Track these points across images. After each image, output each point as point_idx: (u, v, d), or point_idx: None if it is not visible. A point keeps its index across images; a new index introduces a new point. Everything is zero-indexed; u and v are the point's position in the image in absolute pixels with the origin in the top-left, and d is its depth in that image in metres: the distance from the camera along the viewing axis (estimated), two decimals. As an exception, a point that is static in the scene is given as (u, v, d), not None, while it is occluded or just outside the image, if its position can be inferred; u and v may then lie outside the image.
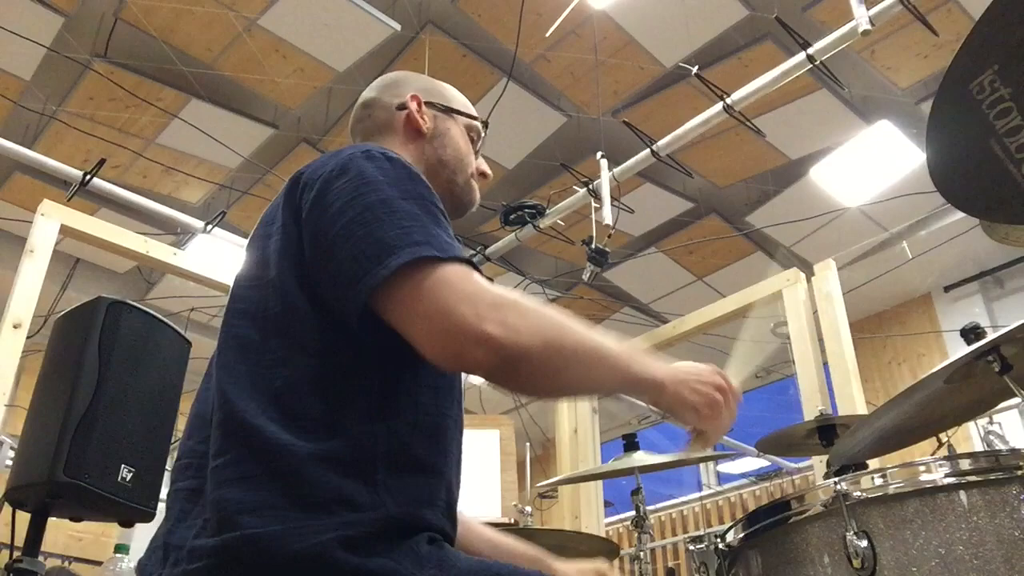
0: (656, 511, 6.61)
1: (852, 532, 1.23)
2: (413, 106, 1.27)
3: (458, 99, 1.35)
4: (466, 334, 0.89)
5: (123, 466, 1.85)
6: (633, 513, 2.22)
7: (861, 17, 2.78)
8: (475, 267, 0.95)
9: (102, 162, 3.43)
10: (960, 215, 4.55)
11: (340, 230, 0.96)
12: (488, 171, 1.33)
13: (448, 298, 0.90)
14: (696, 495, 6.68)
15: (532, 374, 0.93)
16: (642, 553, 2.22)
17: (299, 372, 0.96)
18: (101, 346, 1.89)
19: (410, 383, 1.01)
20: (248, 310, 1.04)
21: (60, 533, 5.06)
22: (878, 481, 1.27)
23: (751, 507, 5.83)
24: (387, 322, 0.94)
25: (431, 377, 1.03)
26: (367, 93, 1.34)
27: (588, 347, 0.96)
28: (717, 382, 1.07)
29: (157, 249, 3.25)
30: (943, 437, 2.70)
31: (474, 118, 1.34)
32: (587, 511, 3.74)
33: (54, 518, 1.88)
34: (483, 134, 1.35)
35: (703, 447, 1.10)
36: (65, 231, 2.94)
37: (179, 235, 4.39)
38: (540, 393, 1.01)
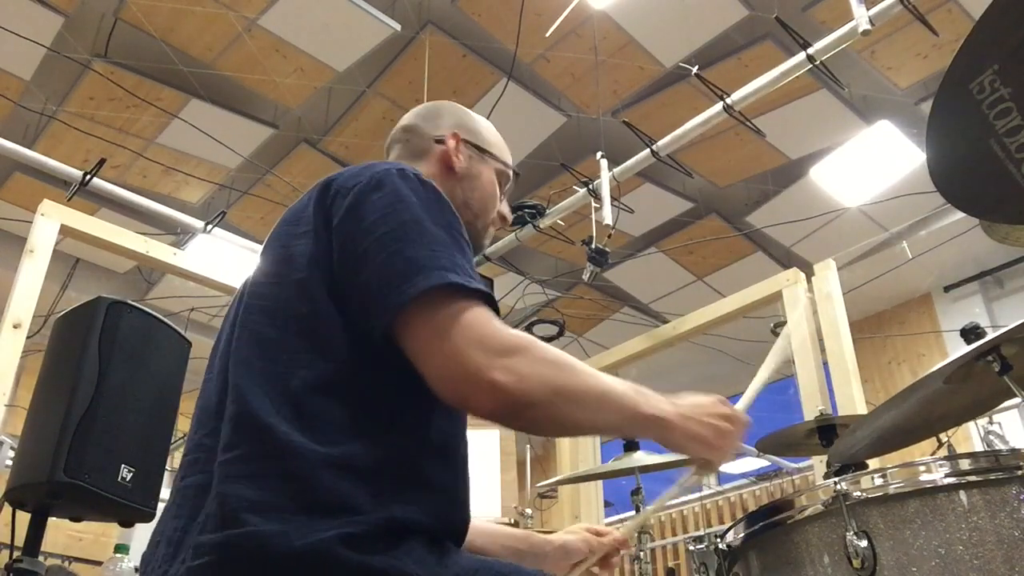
0: (656, 511, 6.60)
1: (852, 532, 1.23)
2: (451, 144, 1.28)
3: (494, 141, 1.35)
4: (475, 380, 0.92)
5: (123, 466, 1.85)
6: (633, 513, 2.22)
7: (861, 17, 2.78)
8: (493, 304, 0.97)
9: (102, 162, 3.43)
10: (960, 215, 4.55)
11: (372, 243, 0.98)
12: (508, 216, 1.34)
13: (461, 340, 0.92)
14: (696, 495, 6.68)
15: (536, 419, 0.96)
16: (642, 553, 2.22)
17: (318, 375, 0.97)
18: (101, 346, 1.89)
19: (425, 400, 1.01)
20: (268, 307, 1.04)
21: (60, 533, 5.06)
22: (878, 481, 1.27)
23: (751, 507, 5.83)
24: (402, 349, 0.96)
25: None
26: (409, 118, 1.35)
27: (594, 392, 0.99)
28: (724, 412, 1.11)
29: (157, 249, 3.24)
30: (943, 437, 2.70)
31: (507, 165, 1.34)
32: (587, 511, 3.74)
33: (54, 518, 1.88)
34: (511, 181, 1.36)
35: (706, 475, 1.14)
36: (65, 231, 2.94)
37: (179, 235, 4.39)
38: (544, 434, 1.04)
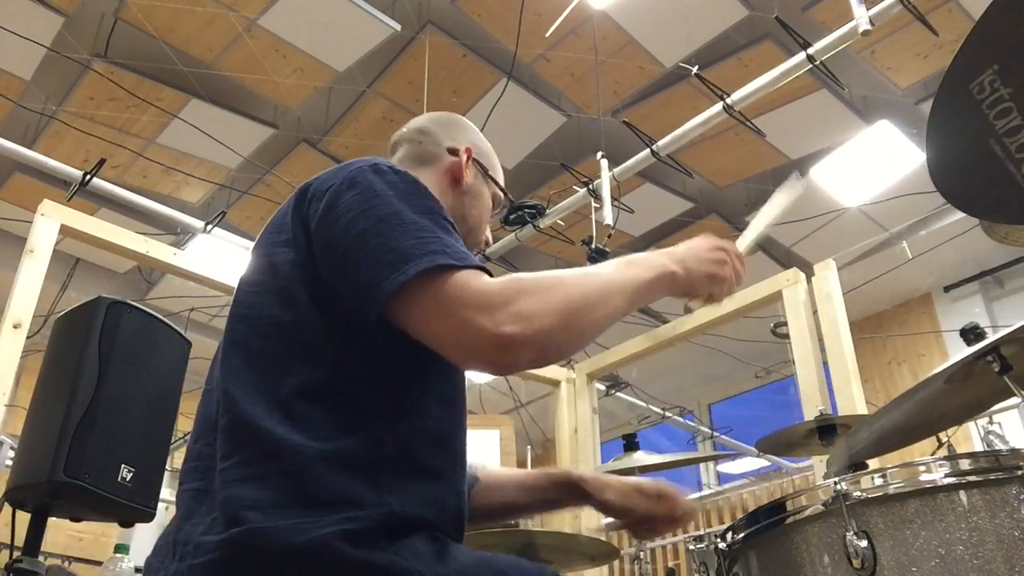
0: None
1: (852, 532, 1.23)
2: (464, 158, 1.29)
3: (498, 167, 1.37)
4: (489, 343, 0.91)
5: (123, 466, 1.85)
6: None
7: (861, 17, 2.79)
8: (486, 272, 0.97)
9: (102, 162, 3.43)
10: (960, 215, 4.55)
11: (353, 240, 0.97)
12: (491, 241, 1.36)
13: (464, 310, 0.92)
14: (696, 495, 6.68)
15: (560, 345, 0.96)
16: (642, 553, 2.23)
17: (306, 381, 0.97)
18: (101, 346, 1.89)
19: (418, 391, 1.02)
20: (251, 316, 1.05)
21: (60, 533, 5.05)
22: (878, 481, 1.27)
23: (751, 507, 5.83)
24: (406, 332, 0.96)
25: (438, 385, 1.04)
26: (427, 122, 1.36)
27: (596, 291, 0.99)
28: (718, 245, 1.16)
29: (157, 249, 3.24)
30: (943, 437, 2.70)
31: (505, 193, 1.36)
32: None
33: (54, 518, 1.88)
34: (503, 207, 1.38)
35: (715, 304, 1.20)
36: (65, 231, 2.93)
37: (179, 235, 4.38)
38: (575, 351, 1.04)
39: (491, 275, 0.97)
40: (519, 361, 0.93)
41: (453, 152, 1.29)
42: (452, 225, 1.03)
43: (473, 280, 0.94)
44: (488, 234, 1.35)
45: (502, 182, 1.37)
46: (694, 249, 1.14)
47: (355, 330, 0.98)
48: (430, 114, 1.39)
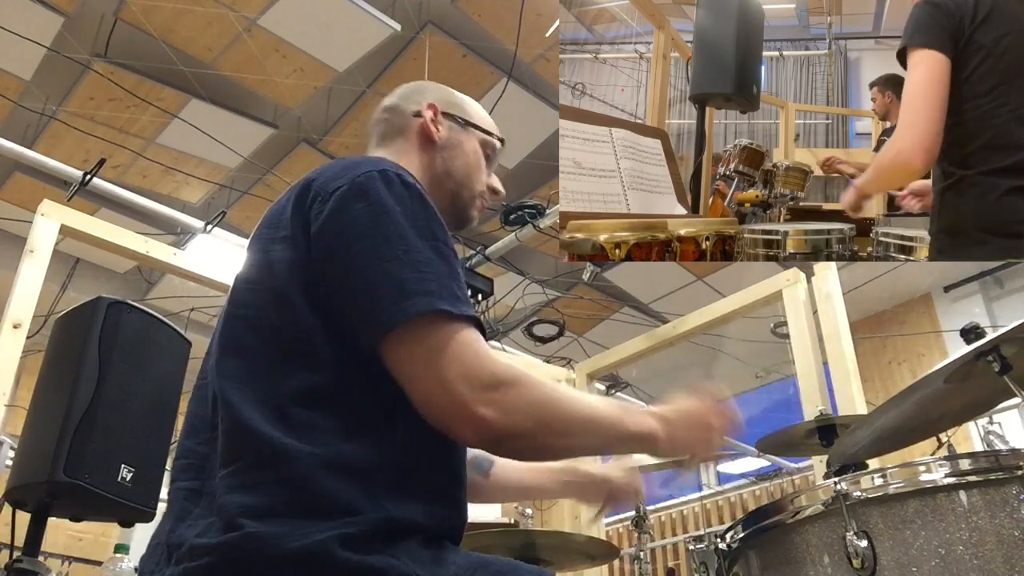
0: (656, 511, 6.61)
1: (852, 532, 1.23)
2: (428, 114, 1.27)
3: (478, 114, 1.34)
4: (459, 414, 0.92)
5: (123, 466, 1.85)
6: (633, 513, 2.22)
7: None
8: (481, 329, 0.97)
9: (102, 162, 3.42)
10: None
11: (355, 259, 0.97)
12: (499, 188, 1.33)
13: (449, 371, 0.92)
14: (696, 495, 6.68)
15: (520, 449, 0.98)
16: (642, 553, 2.23)
17: (304, 385, 0.96)
18: (101, 346, 1.89)
19: None
20: (248, 316, 1.03)
21: (60, 533, 5.06)
22: (878, 481, 1.27)
23: (751, 507, 5.83)
24: (389, 369, 0.96)
25: None
26: (390, 98, 1.34)
27: (579, 421, 1.00)
28: (708, 422, 1.11)
29: (157, 249, 3.24)
30: (943, 437, 2.70)
31: (490, 134, 1.33)
32: (587, 511, 3.74)
33: (54, 518, 1.88)
34: (499, 150, 1.34)
35: (689, 470, 1.21)
36: (65, 231, 2.93)
37: (179, 235, 4.38)
38: (531, 459, 1.06)
39: (483, 330, 0.97)
40: (474, 440, 0.94)
41: (418, 114, 1.28)
42: (453, 252, 1.02)
43: (467, 342, 0.94)
44: (495, 182, 1.32)
45: (486, 125, 1.33)
46: (688, 418, 1.10)
47: (353, 336, 0.97)
48: (397, 89, 1.37)
